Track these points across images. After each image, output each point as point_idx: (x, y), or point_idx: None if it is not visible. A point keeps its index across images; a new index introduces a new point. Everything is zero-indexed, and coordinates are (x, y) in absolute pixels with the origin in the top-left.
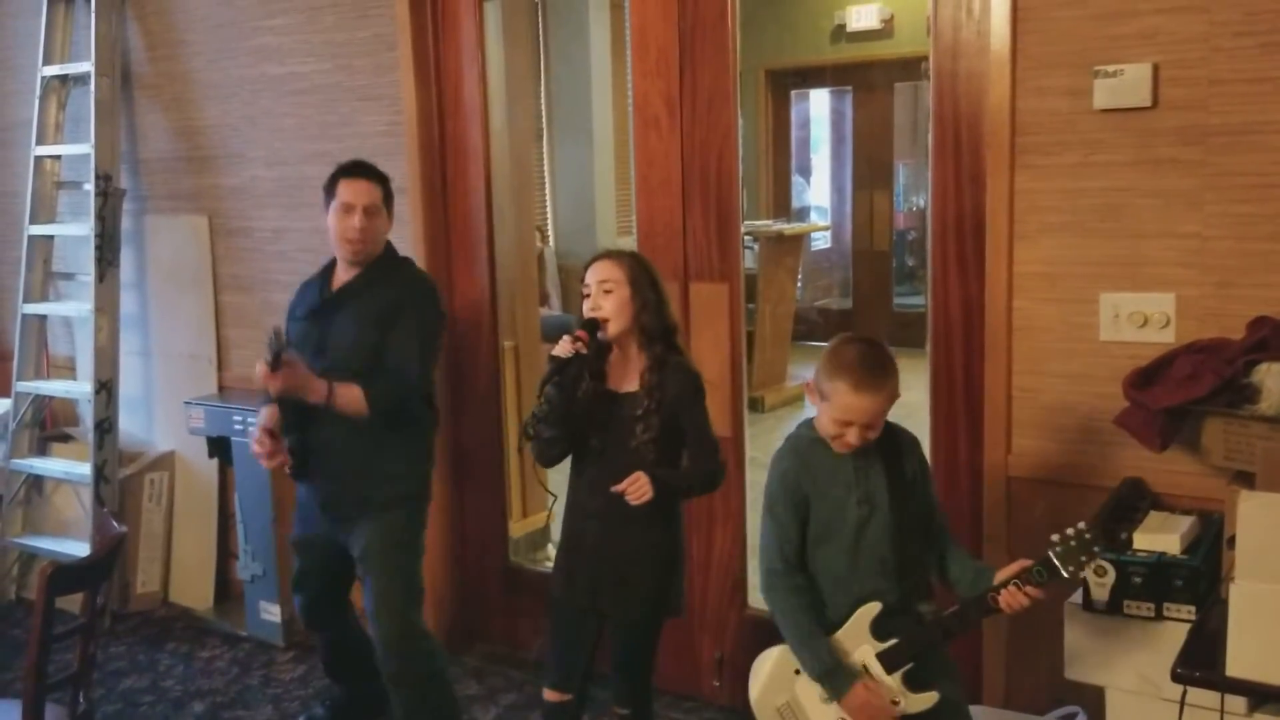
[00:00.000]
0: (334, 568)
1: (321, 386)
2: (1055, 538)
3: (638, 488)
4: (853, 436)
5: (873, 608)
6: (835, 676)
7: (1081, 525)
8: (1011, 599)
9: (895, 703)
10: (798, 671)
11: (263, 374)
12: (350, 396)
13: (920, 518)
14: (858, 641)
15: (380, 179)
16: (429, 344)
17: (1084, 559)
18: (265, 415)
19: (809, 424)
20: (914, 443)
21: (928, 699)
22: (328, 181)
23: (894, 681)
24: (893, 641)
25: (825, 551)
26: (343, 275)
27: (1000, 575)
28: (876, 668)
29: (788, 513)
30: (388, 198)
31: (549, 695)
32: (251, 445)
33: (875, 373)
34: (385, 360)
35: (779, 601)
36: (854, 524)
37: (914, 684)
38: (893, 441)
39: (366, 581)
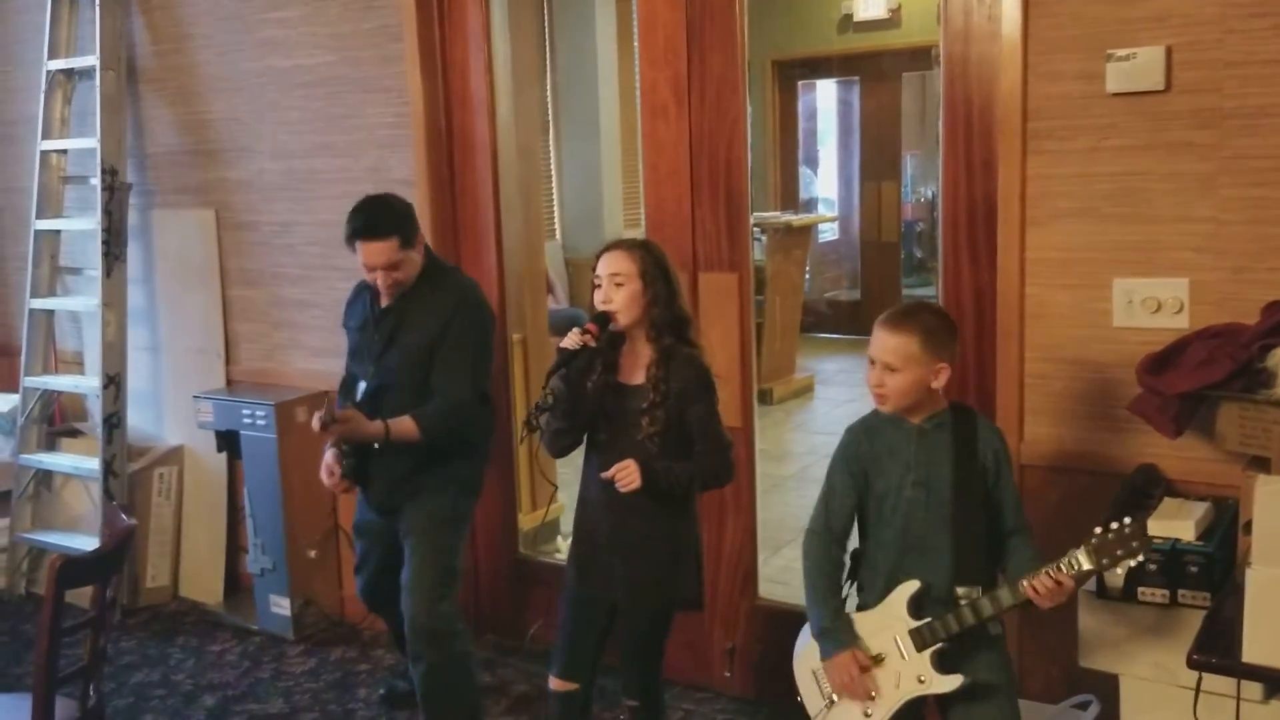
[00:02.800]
0: (391, 552)
1: (376, 428)
2: (1097, 529)
3: (626, 474)
4: (874, 377)
5: (911, 585)
6: (828, 637)
7: (1127, 520)
8: (1040, 585)
9: (872, 697)
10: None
11: (317, 430)
12: (405, 431)
13: (987, 508)
14: (893, 617)
15: (394, 231)
16: (479, 360)
17: (1120, 553)
18: (330, 456)
19: None
20: (996, 434)
21: (952, 681)
22: (345, 231)
23: (923, 659)
24: (925, 621)
25: (878, 528)
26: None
27: (1042, 567)
28: (908, 644)
29: (843, 482)
30: (407, 241)
31: (555, 684)
32: (331, 484)
33: (899, 316)
34: (435, 384)
35: (808, 561)
36: (906, 504)
37: (943, 665)
38: (969, 428)
39: (407, 553)
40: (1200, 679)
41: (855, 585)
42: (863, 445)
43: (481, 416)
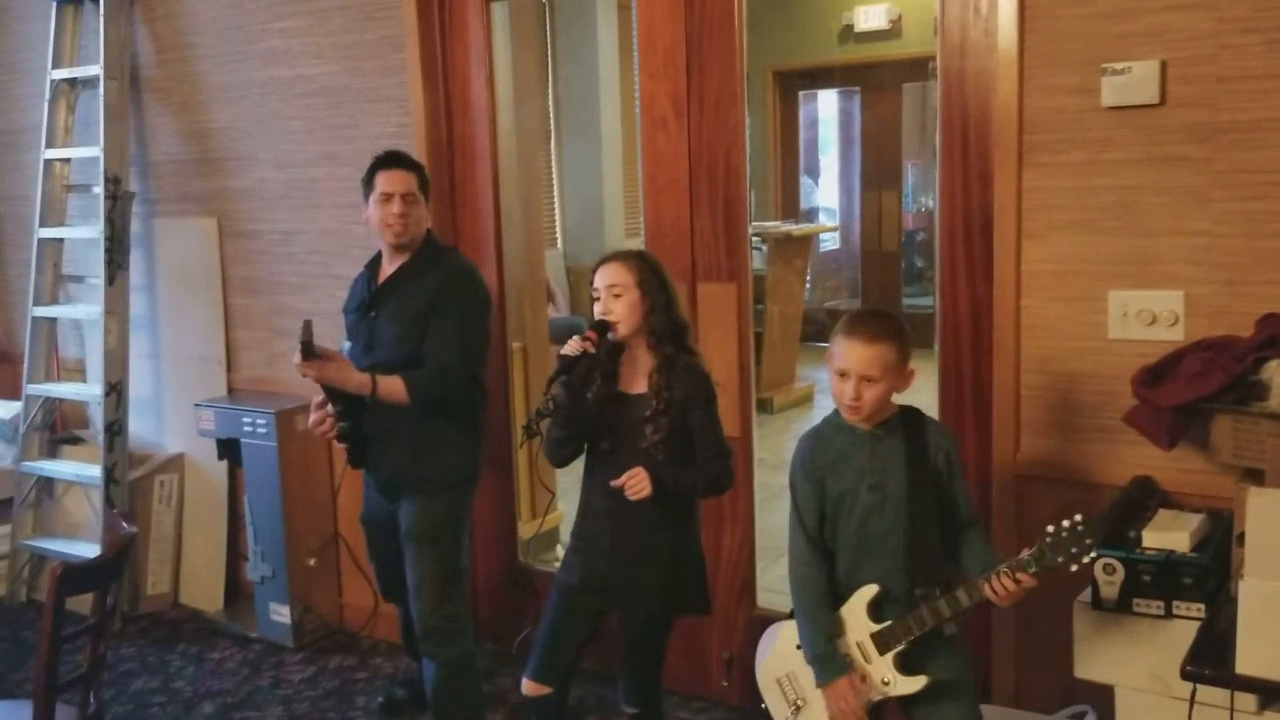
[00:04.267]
0: (395, 543)
1: (363, 379)
2: (1050, 528)
3: (636, 482)
4: (849, 389)
5: (870, 589)
6: (824, 662)
7: (1078, 517)
8: (999, 585)
9: (873, 699)
10: (799, 646)
11: (297, 364)
12: (392, 388)
13: (941, 508)
14: (854, 621)
15: (416, 167)
16: (469, 332)
17: (1075, 550)
18: (318, 400)
19: (836, 412)
20: (944, 434)
21: (915, 682)
22: (366, 174)
23: (886, 662)
24: (886, 624)
25: (837, 531)
26: (387, 268)
27: (999, 567)
28: (870, 648)
29: (806, 488)
30: (424, 185)
31: (529, 688)
32: (310, 422)
33: (868, 323)
34: (425, 352)
35: (794, 578)
36: (863, 508)
37: (906, 666)
38: (918, 430)
39: (408, 559)
40: (1194, 690)
41: None
42: (818, 453)
43: (471, 396)
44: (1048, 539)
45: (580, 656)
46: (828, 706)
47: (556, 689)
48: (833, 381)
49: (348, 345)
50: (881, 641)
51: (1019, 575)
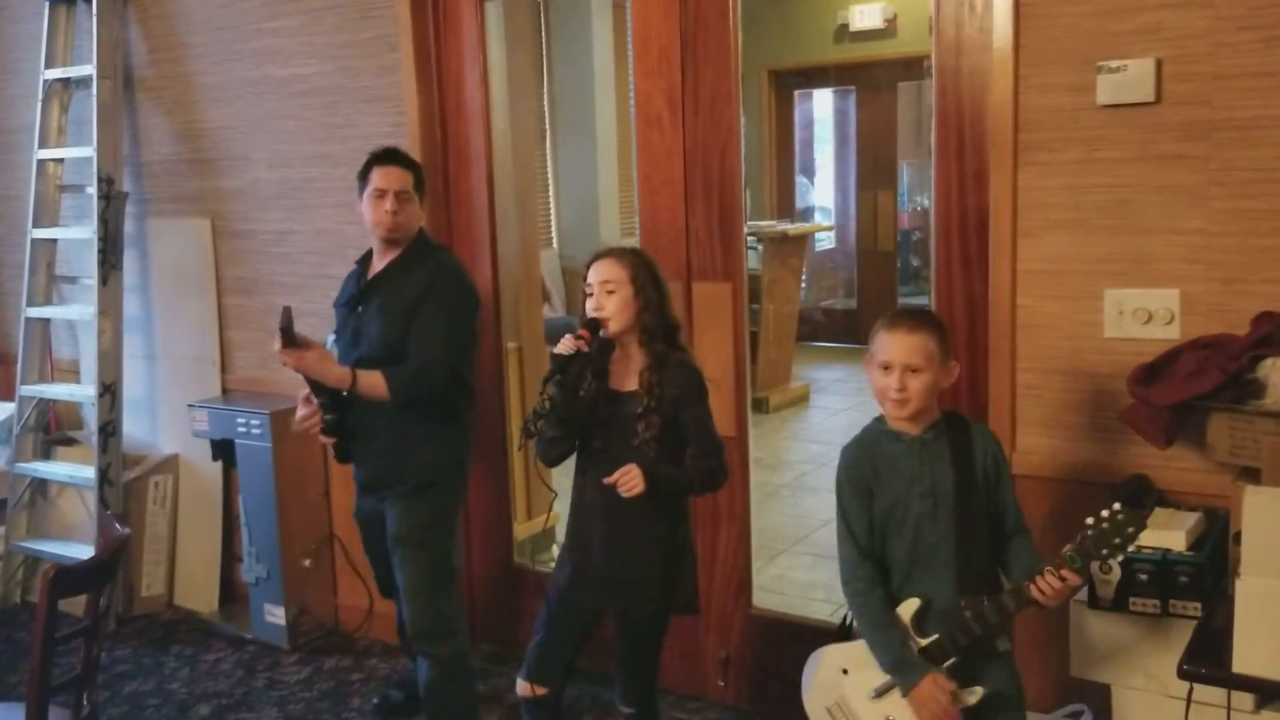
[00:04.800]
0: (386, 539)
1: (342, 372)
2: (1089, 520)
3: (629, 479)
4: (894, 380)
5: (912, 603)
6: (903, 668)
7: (1115, 506)
8: (1045, 586)
9: (959, 698)
10: (845, 671)
11: (277, 350)
12: (372, 382)
13: (989, 516)
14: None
15: (412, 165)
16: (453, 328)
17: (1119, 540)
18: (304, 394)
19: (881, 419)
20: (992, 439)
21: (972, 695)
22: (361, 169)
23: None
24: (934, 637)
25: (889, 543)
26: (378, 264)
27: (1042, 567)
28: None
29: (855, 501)
30: (419, 184)
31: (524, 689)
32: (297, 417)
33: (910, 316)
34: (407, 347)
35: (851, 594)
36: (916, 516)
37: (960, 679)
38: (964, 435)
39: (396, 563)
40: (1191, 689)
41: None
42: (864, 461)
43: (457, 396)
44: (1089, 532)
45: (576, 657)
46: (917, 712)
47: (552, 689)
48: (875, 380)
49: (332, 338)
50: (930, 657)
51: (1063, 572)
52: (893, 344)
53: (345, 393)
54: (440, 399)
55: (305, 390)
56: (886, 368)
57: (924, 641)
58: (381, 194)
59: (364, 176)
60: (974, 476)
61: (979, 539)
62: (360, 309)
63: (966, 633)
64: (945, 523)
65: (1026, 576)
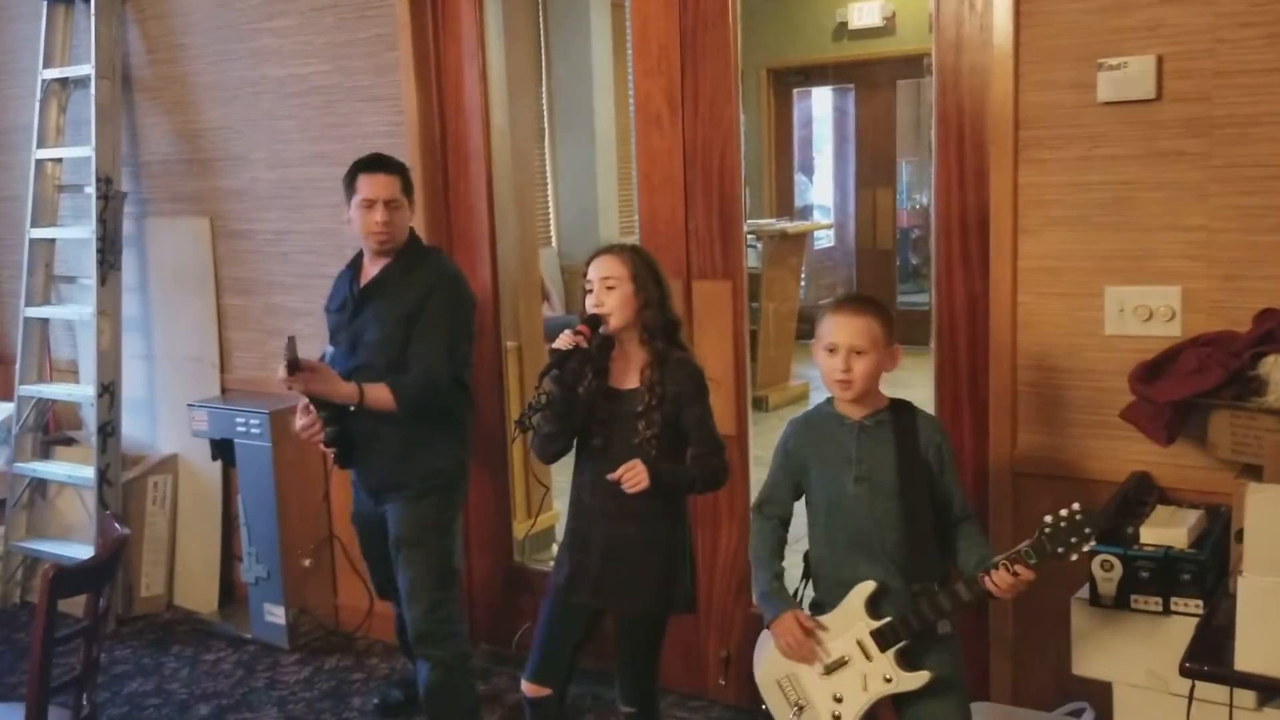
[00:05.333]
0: (386, 541)
1: (349, 389)
2: (1047, 518)
3: (634, 475)
4: (840, 364)
5: (867, 586)
6: (769, 599)
7: (1076, 506)
8: (999, 579)
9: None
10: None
11: (282, 379)
12: (379, 397)
13: (935, 502)
14: (853, 619)
15: (399, 170)
16: (455, 336)
17: (1074, 540)
18: (303, 403)
19: (830, 400)
20: (936, 428)
21: (918, 678)
22: (346, 176)
23: (887, 659)
24: (885, 620)
25: (823, 522)
26: (370, 269)
27: (997, 559)
28: (870, 645)
29: (780, 471)
30: (407, 188)
31: (528, 689)
32: (297, 427)
33: (855, 300)
34: (410, 357)
35: (750, 538)
36: (850, 499)
37: (907, 663)
38: (909, 423)
39: (398, 565)
40: (1193, 687)
41: (809, 584)
42: (802, 438)
43: (456, 399)
44: (1046, 529)
45: (578, 656)
46: (776, 641)
47: (555, 689)
48: (822, 362)
49: (330, 350)
50: (881, 638)
51: (1017, 568)
52: (838, 327)
53: (352, 407)
54: (441, 406)
55: (304, 400)
56: (832, 350)
57: (876, 624)
58: (370, 204)
59: (350, 185)
60: (917, 464)
61: (923, 526)
62: (355, 316)
63: (919, 618)
64: (884, 509)
65: (979, 566)
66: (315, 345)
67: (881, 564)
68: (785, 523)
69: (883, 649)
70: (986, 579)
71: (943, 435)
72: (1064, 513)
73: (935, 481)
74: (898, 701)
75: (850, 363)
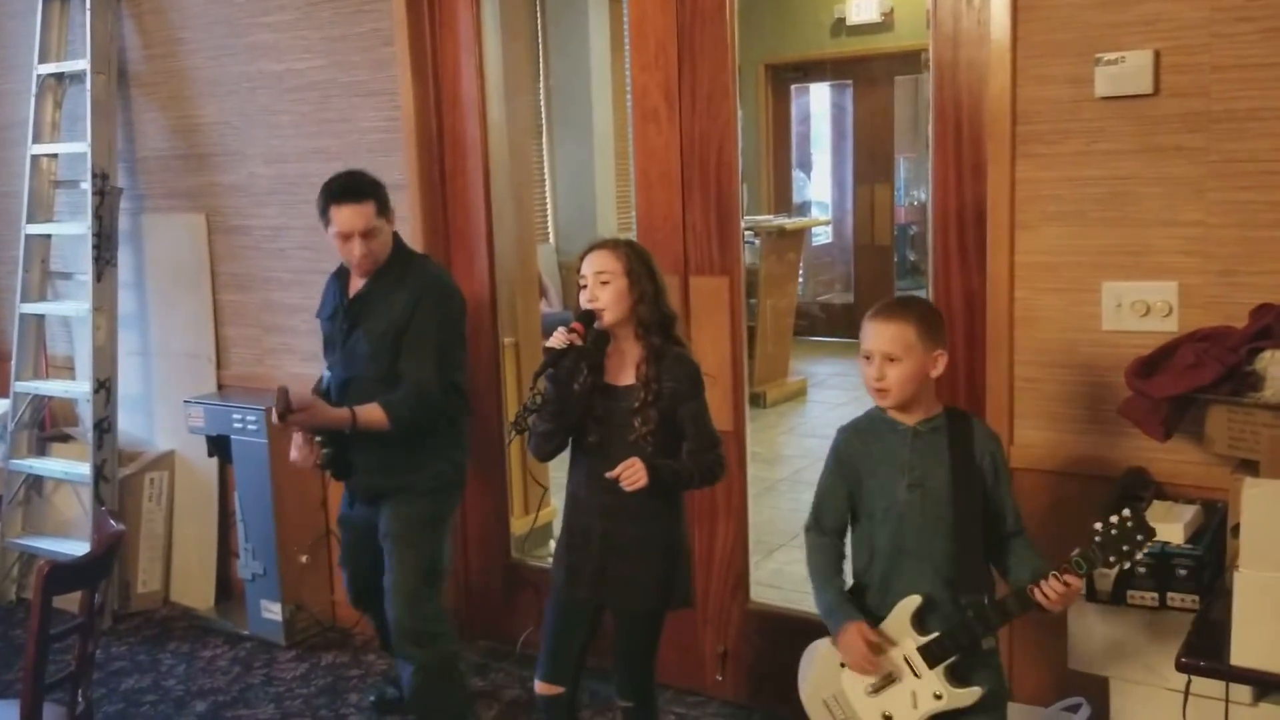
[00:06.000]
0: (374, 547)
1: (342, 415)
2: (1098, 525)
3: (632, 473)
4: (874, 371)
5: (913, 600)
6: (834, 614)
7: (1125, 513)
8: (1050, 590)
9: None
10: (842, 664)
11: (277, 424)
12: (372, 418)
13: (986, 513)
14: (900, 634)
15: (371, 194)
16: (446, 343)
17: (1126, 548)
18: (299, 439)
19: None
20: (991, 437)
21: (971, 694)
22: (319, 204)
23: (936, 675)
24: (934, 635)
25: (874, 530)
26: (357, 281)
27: (1050, 570)
28: (919, 661)
29: (834, 481)
30: (383, 209)
31: (541, 688)
32: (293, 459)
33: (892, 305)
34: (401, 371)
35: (808, 554)
36: (901, 507)
37: (957, 679)
38: (964, 432)
39: (386, 559)
40: (1189, 682)
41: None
42: (854, 445)
43: (451, 405)
44: (1097, 538)
45: (587, 651)
46: (843, 655)
47: (568, 687)
48: (861, 369)
49: (328, 375)
50: (930, 654)
51: (1067, 577)
52: (871, 333)
53: (347, 431)
54: (435, 417)
55: (299, 436)
56: (868, 358)
57: (924, 639)
58: (347, 237)
59: (323, 213)
60: (971, 474)
61: (974, 537)
62: (345, 328)
63: (968, 633)
64: (935, 517)
65: (1031, 579)
66: (311, 341)
67: (928, 576)
68: (842, 535)
69: (931, 665)
70: (1037, 590)
71: (998, 444)
72: (1115, 519)
73: (989, 492)
74: (940, 717)
75: (884, 370)
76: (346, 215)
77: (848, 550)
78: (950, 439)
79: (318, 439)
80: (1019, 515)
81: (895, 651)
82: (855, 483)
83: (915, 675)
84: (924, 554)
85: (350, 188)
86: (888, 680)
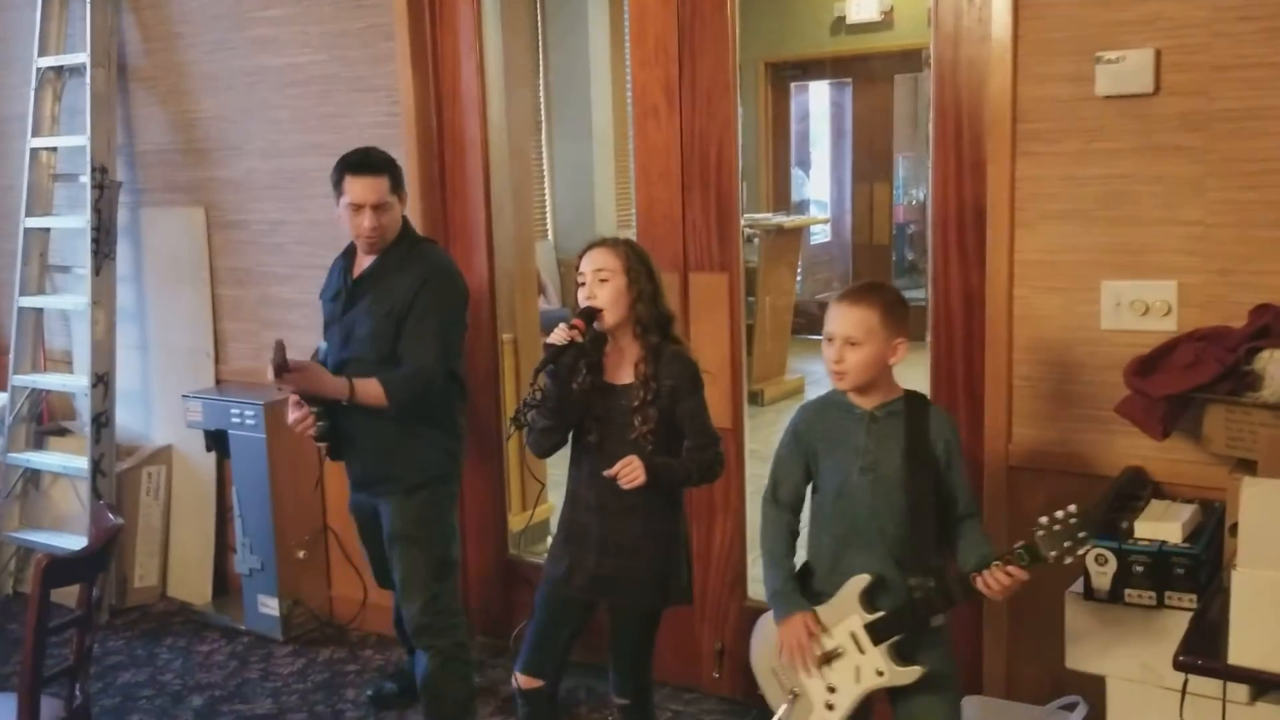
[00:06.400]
0: (382, 533)
1: (341, 385)
2: (1042, 520)
3: (630, 471)
4: (833, 353)
5: (862, 579)
6: (781, 599)
7: (1071, 508)
8: (991, 579)
9: (830, 655)
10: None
11: (272, 380)
12: (370, 392)
13: (940, 497)
14: (848, 611)
15: (387, 169)
16: (447, 329)
17: (1068, 544)
18: (294, 398)
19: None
20: (947, 423)
21: (911, 673)
22: (334, 173)
23: (880, 652)
24: (880, 614)
25: (826, 511)
26: (363, 260)
27: (993, 560)
28: (864, 638)
29: (790, 458)
30: (396, 185)
31: (522, 680)
32: (290, 420)
33: (859, 290)
34: (402, 352)
35: (762, 528)
36: (854, 488)
37: (901, 656)
38: (921, 417)
39: (393, 560)
40: (1186, 681)
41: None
42: (812, 423)
43: (449, 391)
44: (1039, 531)
45: (571, 648)
46: (782, 641)
47: (548, 681)
48: (823, 350)
49: (324, 346)
50: (875, 632)
51: (1010, 569)
52: (835, 316)
53: (344, 402)
54: (435, 399)
55: (294, 396)
56: (830, 340)
57: (870, 617)
58: (358, 208)
59: (337, 184)
60: (925, 459)
61: (925, 520)
62: (348, 308)
63: (913, 613)
64: (886, 501)
65: (976, 565)
66: (310, 336)
67: (880, 556)
68: (797, 511)
69: (876, 642)
70: (979, 579)
71: (953, 431)
72: (1060, 514)
73: (942, 477)
74: (891, 694)
75: (843, 353)
76: (360, 187)
77: (805, 525)
78: (906, 424)
79: (314, 410)
80: (972, 500)
81: (843, 626)
82: (812, 460)
83: (860, 651)
84: (875, 535)
85: (366, 161)
86: (834, 654)
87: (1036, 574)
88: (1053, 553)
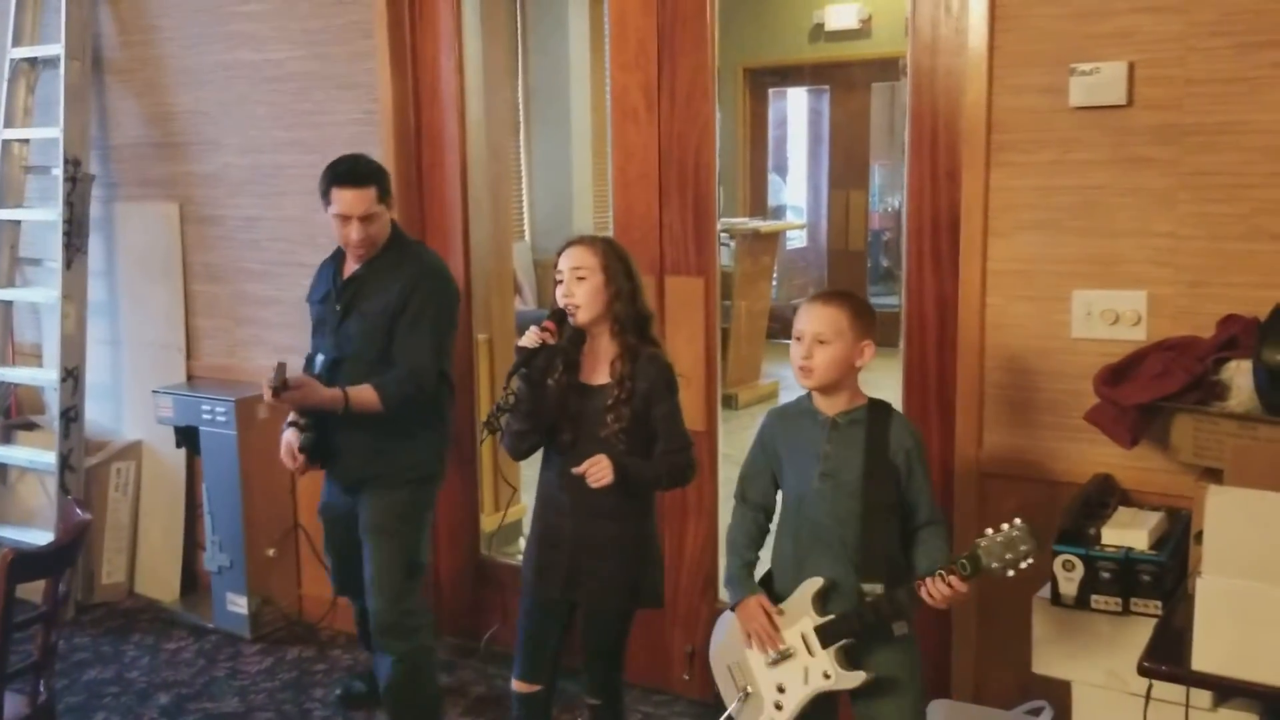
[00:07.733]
0: (355, 536)
1: (334, 395)
2: (987, 531)
3: (598, 469)
4: (801, 351)
5: (816, 582)
6: (736, 584)
7: (1017, 521)
8: (932, 588)
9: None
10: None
11: (269, 400)
12: (365, 399)
13: (899, 506)
14: (800, 613)
15: (374, 179)
16: (439, 332)
17: (1010, 556)
18: (289, 435)
19: (809, 394)
20: (909, 432)
21: (855, 678)
22: (321, 184)
23: (828, 656)
24: (829, 617)
25: (789, 516)
26: (353, 263)
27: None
28: (814, 640)
29: (759, 459)
30: (384, 195)
31: (518, 686)
32: (285, 459)
33: (829, 292)
34: (395, 353)
35: (730, 524)
36: (813, 494)
37: (849, 661)
38: (883, 424)
39: (366, 552)
40: (1150, 686)
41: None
42: (776, 429)
43: (441, 392)
44: (982, 542)
45: (561, 649)
46: (742, 626)
47: (545, 685)
48: (791, 350)
49: (320, 359)
50: (824, 635)
51: (951, 579)
52: (805, 315)
53: (339, 413)
54: (427, 399)
55: (290, 429)
56: (798, 338)
57: (821, 620)
58: (346, 220)
59: (324, 193)
60: (884, 468)
61: (881, 528)
62: (338, 310)
63: (861, 618)
64: (844, 507)
65: (925, 572)
66: (283, 333)
67: (840, 561)
68: (768, 512)
69: (825, 645)
70: (921, 587)
71: (915, 440)
72: (1004, 527)
73: (903, 487)
74: (851, 696)
75: (812, 350)
76: (348, 198)
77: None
78: (868, 432)
79: (301, 421)
80: (934, 508)
81: (795, 628)
82: (776, 465)
83: (810, 653)
84: (833, 541)
85: (354, 171)
86: (785, 654)
87: (1005, 579)
88: (994, 564)
